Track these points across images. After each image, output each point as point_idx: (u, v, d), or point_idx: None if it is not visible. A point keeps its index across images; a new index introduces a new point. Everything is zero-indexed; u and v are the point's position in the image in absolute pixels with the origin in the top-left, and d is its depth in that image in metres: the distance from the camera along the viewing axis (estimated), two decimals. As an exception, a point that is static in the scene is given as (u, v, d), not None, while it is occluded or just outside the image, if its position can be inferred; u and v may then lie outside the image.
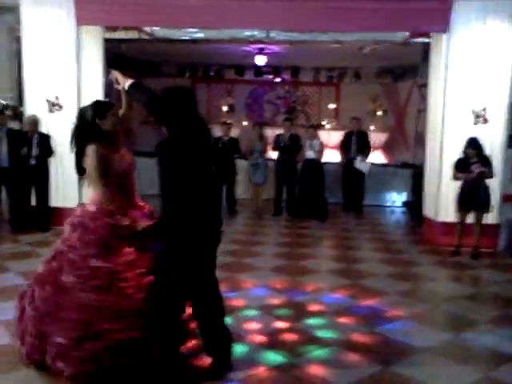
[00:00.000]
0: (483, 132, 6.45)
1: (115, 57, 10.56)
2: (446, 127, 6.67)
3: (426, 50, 8.02)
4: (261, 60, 10.73)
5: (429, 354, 3.55)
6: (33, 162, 6.77)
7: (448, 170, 6.48)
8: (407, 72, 11.49)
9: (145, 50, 10.64)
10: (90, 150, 3.13)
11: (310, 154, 8.65)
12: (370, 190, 9.83)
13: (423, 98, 8.72)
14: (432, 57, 7.02)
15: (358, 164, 9.12)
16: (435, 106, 6.90)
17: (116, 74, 3.25)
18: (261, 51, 10.47)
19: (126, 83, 3.15)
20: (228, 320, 3.81)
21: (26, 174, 6.82)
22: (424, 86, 8.27)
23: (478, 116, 6.55)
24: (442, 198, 6.70)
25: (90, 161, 3.12)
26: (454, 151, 6.42)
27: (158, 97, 3.01)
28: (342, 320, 4.12)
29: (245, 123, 12.42)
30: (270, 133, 9.72)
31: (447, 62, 6.59)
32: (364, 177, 9.43)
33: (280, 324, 3.99)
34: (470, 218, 6.28)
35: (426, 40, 7.38)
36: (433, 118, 7.00)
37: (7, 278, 4.95)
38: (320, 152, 8.71)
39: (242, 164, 9.27)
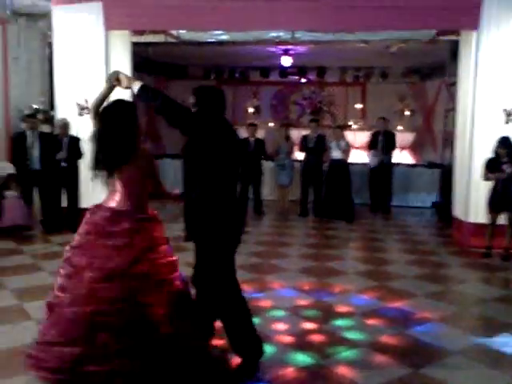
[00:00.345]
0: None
1: (142, 60, 10.74)
2: (475, 126, 6.54)
3: (454, 47, 7.91)
4: (287, 61, 10.75)
5: (459, 357, 3.50)
6: (63, 164, 6.94)
7: (478, 169, 6.36)
8: (435, 71, 11.34)
9: (171, 53, 10.78)
10: None
11: (336, 155, 8.62)
12: (397, 190, 9.74)
13: (452, 97, 8.59)
14: (461, 54, 6.91)
15: (371, 158, 9.09)
16: (465, 105, 6.79)
17: (121, 75, 3.08)
18: (286, 52, 10.48)
19: (135, 86, 2.98)
20: (256, 321, 3.84)
21: (57, 176, 6.99)
22: (453, 84, 8.15)
23: (509, 114, 6.40)
24: (472, 199, 6.58)
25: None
26: (485, 151, 6.30)
27: (171, 100, 2.96)
28: (371, 322, 4.09)
29: (270, 124, 12.45)
30: (296, 134, 9.74)
31: (477, 59, 6.46)
32: (391, 177, 9.36)
33: (308, 325, 3.98)
34: (502, 219, 6.16)
35: (455, 38, 7.27)
36: (462, 117, 6.89)
37: (40, 278, 5.07)
38: (346, 152, 8.67)
39: (267, 165, 9.30)
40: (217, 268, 3.07)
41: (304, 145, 8.80)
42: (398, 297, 4.69)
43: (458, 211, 6.98)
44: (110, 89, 3.17)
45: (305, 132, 9.19)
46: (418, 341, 3.73)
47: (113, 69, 7.15)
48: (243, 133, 8.77)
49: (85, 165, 7.12)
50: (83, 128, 7.14)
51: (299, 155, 9.30)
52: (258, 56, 11.06)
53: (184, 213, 3.15)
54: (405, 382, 3.15)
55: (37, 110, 8.26)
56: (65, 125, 6.98)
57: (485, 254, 6.16)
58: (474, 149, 6.56)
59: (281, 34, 8.21)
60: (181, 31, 8.00)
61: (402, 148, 11.06)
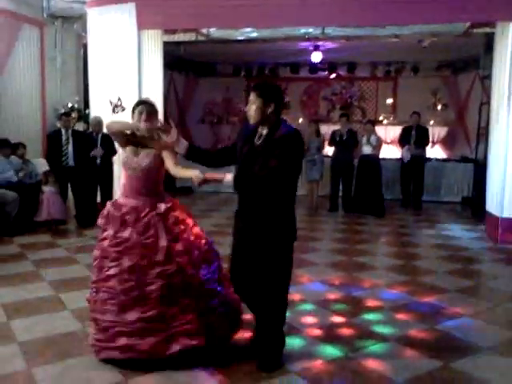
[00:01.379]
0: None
1: (173, 59, 10.90)
2: (511, 120, 6.41)
3: (488, 40, 7.75)
4: (317, 57, 10.72)
5: (491, 353, 3.46)
6: (98, 160, 7.13)
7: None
8: (468, 64, 11.12)
9: (201, 51, 10.89)
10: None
11: (366, 150, 8.57)
12: (428, 185, 9.63)
13: (486, 91, 8.41)
14: (496, 46, 6.75)
15: (405, 153, 9.04)
16: (500, 98, 6.64)
17: (199, 178, 3.02)
18: (316, 48, 10.45)
19: (226, 179, 2.96)
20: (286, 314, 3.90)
21: (92, 172, 7.19)
22: (487, 77, 7.98)
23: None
24: (507, 194, 6.46)
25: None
26: (520, 145, 6.18)
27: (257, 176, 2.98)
28: (400, 316, 4.08)
29: (300, 120, 12.44)
30: (326, 129, 9.72)
31: (513, 51, 6.33)
32: (423, 172, 9.25)
33: (337, 318, 4.00)
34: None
35: (489, 30, 7.11)
36: (497, 111, 6.74)
37: (75, 270, 5.24)
38: (377, 147, 8.61)
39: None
40: (286, 263, 3.14)
41: (334, 139, 8.78)
42: (429, 292, 4.66)
43: (491, 206, 6.85)
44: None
45: (335, 127, 9.16)
46: (448, 335, 3.71)
47: (144, 68, 7.33)
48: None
49: (118, 161, 7.35)
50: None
51: (329, 150, 9.28)
52: (287, 52, 11.05)
53: (249, 211, 3.11)
54: (434, 375, 3.14)
55: (71, 109, 8.51)
56: (99, 122, 7.17)
57: (519, 250, 6.05)
58: (510, 143, 6.43)
59: (310, 29, 8.19)
60: (211, 29, 8.09)
61: (434, 143, 10.89)
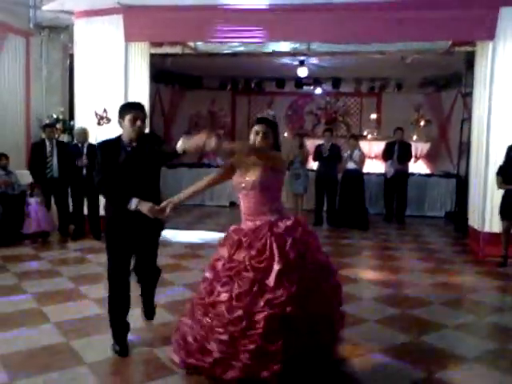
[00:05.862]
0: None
1: (160, 71, 10.93)
2: (491, 136, 6.55)
3: (470, 58, 7.93)
4: (303, 72, 10.84)
5: (474, 364, 3.49)
6: (83, 172, 7.05)
7: (494, 179, 6.35)
8: (450, 81, 11.35)
9: (188, 64, 10.96)
10: None
11: (350, 165, 8.65)
12: (411, 200, 9.74)
13: (467, 107, 8.59)
14: (477, 65, 6.91)
15: (388, 168, 9.20)
16: (480, 115, 6.79)
17: (187, 144, 2.98)
18: (302, 63, 10.58)
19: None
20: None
21: (78, 184, 7.11)
22: (468, 95, 8.16)
23: (524, 124, 6.40)
24: (488, 208, 6.56)
25: None
26: (500, 161, 6.28)
27: None
28: (386, 328, 4.10)
29: (285, 134, 12.54)
30: (310, 143, 9.79)
31: (493, 69, 6.48)
32: (406, 187, 9.37)
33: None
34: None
35: (470, 48, 7.29)
36: (478, 127, 6.88)
37: (57, 283, 5.17)
38: (361, 162, 8.69)
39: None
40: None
41: (318, 154, 8.86)
42: (413, 304, 4.69)
43: (473, 221, 6.96)
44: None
45: (319, 142, 9.25)
46: (433, 347, 3.74)
47: (131, 79, 7.33)
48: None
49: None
50: (101, 137, 7.31)
51: (314, 165, 9.35)
52: (273, 67, 11.18)
53: None
54: (419, 387, 3.16)
55: (56, 120, 8.46)
56: (84, 132, 7.13)
57: (500, 264, 6.13)
58: (490, 158, 6.56)
59: (296, 45, 8.31)
60: (198, 43, 8.15)
61: (417, 158, 11.05)
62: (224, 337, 2.92)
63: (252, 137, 3.17)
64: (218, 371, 2.99)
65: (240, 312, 2.89)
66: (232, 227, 3.22)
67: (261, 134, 3.13)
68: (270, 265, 2.91)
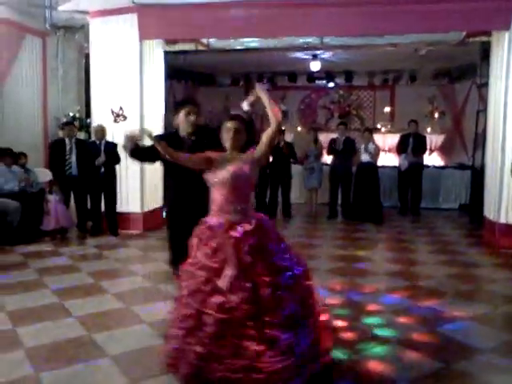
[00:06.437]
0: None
1: (174, 68, 11.01)
2: (508, 127, 6.51)
3: (485, 49, 7.86)
4: (315, 66, 10.84)
5: (490, 354, 3.52)
6: (102, 169, 7.14)
7: (509, 170, 6.33)
8: (465, 72, 11.26)
9: (201, 61, 11.01)
10: None
11: (365, 158, 8.65)
12: (426, 192, 9.71)
13: (482, 99, 8.53)
14: (493, 55, 6.87)
15: (402, 160, 9.19)
16: (496, 106, 6.75)
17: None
18: (315, 57, 10.58)
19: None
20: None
21: (96, 181, 7.19)
22: (483, 85, 8.10)
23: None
24: (504, 200, 6.54)
25: None
26: (517, 151, 6.28)
27: None
28: (401, 320, 4.14)
29: (299, 129, 12.56)
30: (324, 137, 9.81)
31: (509, 59, 6.42)
32: (421, 180, 9.35)
33: (339, 322, 4.04)
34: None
35: (486, 38, 7.23)
36: (494, 118, 6.85)
37: (78, 278, 5.29)
38: (375, 155, 8.69)
39: (295, 168, 9.40)
40: None
41: (332, 148, 8.87)
42: (429, 296, 4.72)
43: (489, 212, 6.94)
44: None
45: (333, 136, 9.26)
46: (449, 338, 3.77)
47: (146, 77, 7.41)
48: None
49: (119, 170, 7.40)
50: (118, 134, 7.42)
51: (328, 158, 9.37)
52: (285, 61, 11.19)
53: None
54: (436, 377, 3.19)
55: (73, 118, 8.59)
56: (102, 130, 7.21)
57: (517, 255, 6.13)
58: (507, 149, 6.52)
59: (309, 39, 8.32)
60: (211, 39, 8.20)
61: (432, 150, 11.01)
62: (179, 332, 2.90)
63: (224, 134, 3.08)
64: (177, 367, 2.93)
65: (190, 310, 2.85)
66: (203, 220, 3.12)
67: (232, 131, 3.05)
68: (222, 267, 2.84)
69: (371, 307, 4.43)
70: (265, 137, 3.08)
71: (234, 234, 2.87)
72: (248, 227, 2.90)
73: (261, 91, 3.12)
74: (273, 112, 3.06)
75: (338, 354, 3.47)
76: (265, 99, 3.08)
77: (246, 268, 2.82)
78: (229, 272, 2.79)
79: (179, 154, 3.10)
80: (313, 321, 2.98)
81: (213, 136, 3.39)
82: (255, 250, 2.87)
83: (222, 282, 2.79)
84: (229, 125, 3.08)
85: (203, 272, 2.86)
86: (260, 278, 2.82)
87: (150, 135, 3.07)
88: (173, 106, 3.63)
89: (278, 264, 2.93)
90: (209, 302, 2.79)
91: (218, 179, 2.99)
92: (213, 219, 2.99)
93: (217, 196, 3.01)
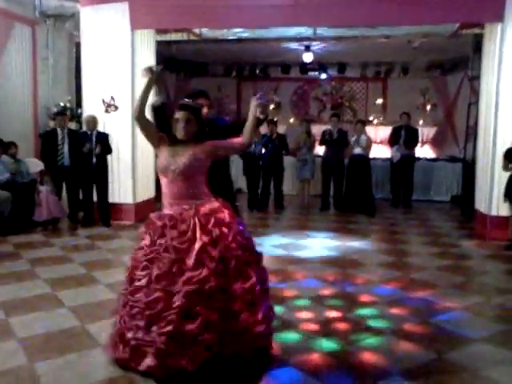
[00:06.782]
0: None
1: (165, 58, 10.92)
2: (499, 120, 6.54)
3: (477, 41, 7.88)
4: (308, 57, 10.81)
5: (482, 344, 3.55)
6: (93, 159, 7.08)
7: (501, 162, 6.36)
8: (457, 65, 11.29)
9: (193, 51, 10.93)
10: None
11: (357, 150, 8.66)
12: (418, 185, 9.76)
13: (474, 91, 8.56)
14: (485, 47, 6.89)
15: (394, 153, 9.19)
16: (488, 99, 6.78)
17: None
18: (307, 48, 10.54)
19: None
20: (280, 309, 4.00)
21: (87, 171, 7.13)
22: (475, 78, 8.12)
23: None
24: (495, 192, 6.58)
25: None
26: (508, 144, 6.30)
27: None
28: (394, 311, 4.16)
29: (291, 120, 12.55)
30: (317, 129, 9.81)
31: (501, 52, 6.44)
32: (413, 172, 9.38)
33: (332, 313, 4.06)
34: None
35: (478, 31, 7.24)
36: (486, 111, 6.87)
37: (70, 268, 5.26)
38: (367, 147, 8.70)
39: (287, 160, 9.40)
40: None
41: (325, 139, 8.87)
42: (421, 287, 4.75)
43: (480, 204, 6.99)
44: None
45: (325, 127, 9.26)
46: (441, 329, 3.79)
47: (138, 67, 7.35)
48: (263, 129, 8.84)
49: (110, 160, 7.34)
50: (109, 124, 7.36)
51: (320, 150, 9.37)
52: (278, 52, 11.14)
53: None
54: (429, 367, 3.21)
55: (64, 108, 8.50)
56: (94, 120, 7.15)
57: (507, 247, 6.17)
58: (498, 142, 6.56)
59: (302, 30, 8.28)
60: (203, 29, 8.13)
61: (424, 142, 11.05)
62: (141, 322, 2.88)
63: (175, 124, 3.09)
64: (134, 363, 2.91)
65: (158, 294, 2.85)
66: (153, 214, 3.17)
67: (183, 122, 3.06)
68: (191, 246, 2.90)
69: (364, 298, 4.45)
70: (230, 143, 3.21)
71: (203, 211, 3.00)
72: (215, 204, 3.08)
73: (253, 107, 3.17)
74: (250, 133, 3.16)
75: (332, 344, 3.49)
76: (251, 118, 3.17)
77: (215, 240, 2.94)
78: (197, 245, 2.89)
79: (150, 121, 3.28)
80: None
81: (225, 128, 3.47)
82: (223, 224, 3.02)
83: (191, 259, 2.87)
84: (178, 115, 3.11)
85: (172, 254, 2.91)
86: (228, 252, 2.96)
87: (150, 69, 3.08)
88: (185, 97, 3.55)
89: (244, 242, 3.10)
90: (178, 281, 2.85)
91: (174, 167, 3.03)
92: (172, 208, 3.07)
93: (173, 186, 3.07)
